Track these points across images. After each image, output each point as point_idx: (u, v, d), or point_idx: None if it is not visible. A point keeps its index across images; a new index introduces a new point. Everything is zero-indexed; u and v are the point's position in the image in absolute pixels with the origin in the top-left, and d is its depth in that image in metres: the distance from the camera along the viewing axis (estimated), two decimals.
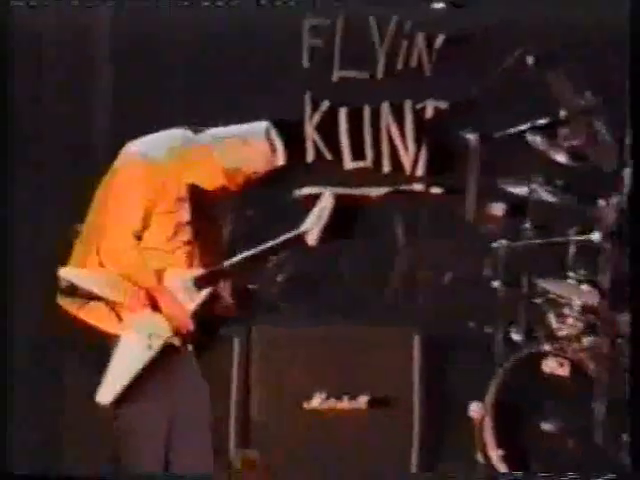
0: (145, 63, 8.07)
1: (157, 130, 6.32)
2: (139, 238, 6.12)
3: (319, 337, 7.34)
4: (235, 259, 6.13)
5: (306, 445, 7.23)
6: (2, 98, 7.02)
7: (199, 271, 6.16)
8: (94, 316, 6.15)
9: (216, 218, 6.36)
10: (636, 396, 5.27)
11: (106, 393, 6.16)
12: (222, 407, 7.24)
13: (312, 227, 6.10)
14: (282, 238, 6.07)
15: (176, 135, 6.23)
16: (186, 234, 6.11)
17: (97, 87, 8.16)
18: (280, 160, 6.03)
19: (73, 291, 6.09)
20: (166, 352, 6.12)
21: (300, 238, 6.10)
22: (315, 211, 6.20)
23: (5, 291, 7.01)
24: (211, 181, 6.07)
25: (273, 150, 6.17)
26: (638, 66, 5.90)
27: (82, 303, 6.11)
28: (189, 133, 6.20)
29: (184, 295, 6.17)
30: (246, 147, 6.13)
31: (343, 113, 7.92)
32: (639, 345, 5.32)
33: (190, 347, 6.24)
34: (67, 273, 6.11)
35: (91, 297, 6.12)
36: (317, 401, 7.25)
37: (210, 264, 6.18)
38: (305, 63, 7.87)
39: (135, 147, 6.15)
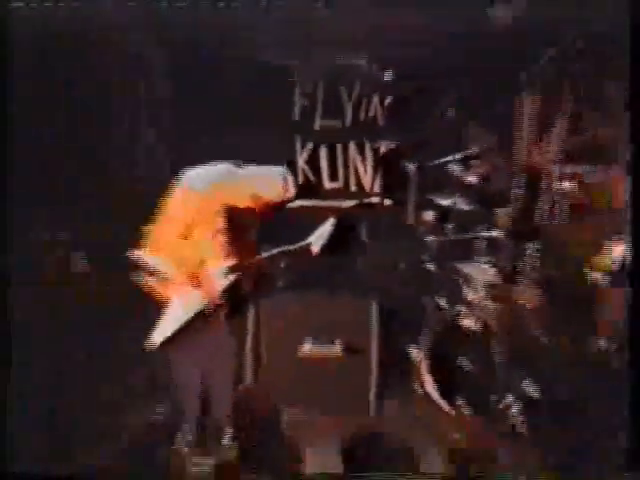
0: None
1: None
2: (188, 236, 6.31)
3: (307, 303, 7.29)
4: (257, 257, 6.41)
5: (299, 380, 7.16)
6: (2, 97, 5.92)
7: (231, 262, 6.43)
8: (158, 285, 6.41)
9: (245, 227, 6.47)
10: (636, 396, 4.89)
11: (157, 338, 6.40)
12: (241, 354, 7.13)
13: (316, 241, 6.42)
14: (295, 246, 6.43)
15: (220, 169, 6.41)
16: (222, 237, 6.37)
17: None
18: (291, 195, 6.35)
19: (146, 268, 6.37)
20: (201, 316, 6.40)
21: (307, 248, 6.41)
22: (319, 230, 6.45)
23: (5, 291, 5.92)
24: (241, 203, 6.38)
25: (286, 188, 6.39)
26: (638, 66, 5.58)
27: (152, 276, 6.39)
28: (232, 167, 6.41)
29: (218, 279, 6.42)
30: (268, 182, 6.40)
31: (323, 150, 7.98)
32: (638, 348, 4.97)
33: (222, 314, 6.47)
34: (142, 256, 6.38)
35: (156, 273, 6.38)
36: (307, 348, 7.29)
37: (239, 259, 6.41)
38: (296, 116, 7.91)
39: (185, 177, 6.39)
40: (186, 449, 6.29)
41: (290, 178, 6.43)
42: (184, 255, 6.37)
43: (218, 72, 7.62)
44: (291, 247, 6.45)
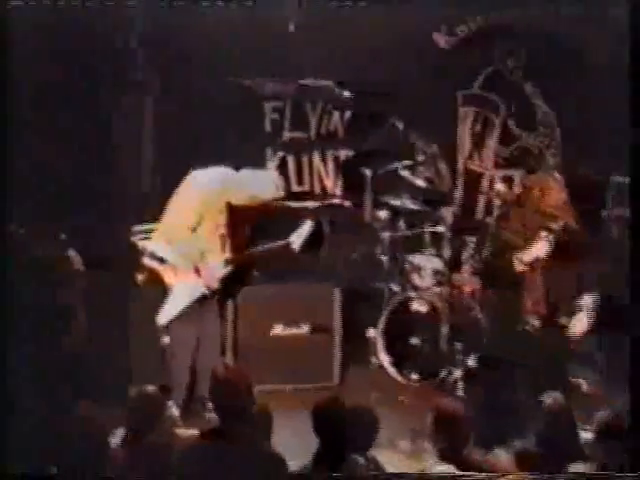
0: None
1: None
2: (194, 230, 6.30)
3: (278, 291, 7.21)
4: (249, 252, 6.45)
5: (271, 355, 7.06)
6: (2, 98, 5.21)
7: (228, 256, 6.47)
8: (164, 272, 6.39)
9: (240, 224, 6.47)
10: (636, 397, 4.52)
11: (163, 318, 6.45)
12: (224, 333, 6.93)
13: (296, 240, 6.50)
14: (278, 243, 6.51)
15: (224, 172, 6.37)
16: (222, 231, 6.40)
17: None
18: (282, 194, 6.45)
19: (154, 256, 6.35)
20: (201, 299, 6.42)
21: (288, 246, 6.52)
22: (299, 231, 6.50)
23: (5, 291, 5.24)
24: (241, 201, 6.36)
25: (278, 189, 6.43)
26: (638, 67, 5.29)
27: (158, 263, 6.37)
28: (232, 170, 6.38)
29: (217, 269, 6.44)
30: (264, 184, 6.40)
31: (291, 159, 7.95)
32: (637, 350, 4.73)
33: (216, 298, 6.52)
34: (151, 245, 6.38)
35: (163, 261, 6.36)
36: (278, 329, 7.18)
37: (234, 252, 6.44)
38: (267, 129, 7.87)
39: (194, 177, 6.34)
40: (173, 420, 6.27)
41: (281, 181, 6.48)
42: (189, 246, 6.33)
43: (201, 90, 7.56)
44: (275, 244, 6.45)
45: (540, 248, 6.57)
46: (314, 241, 6.66)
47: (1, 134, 4.96)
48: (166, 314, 6.42)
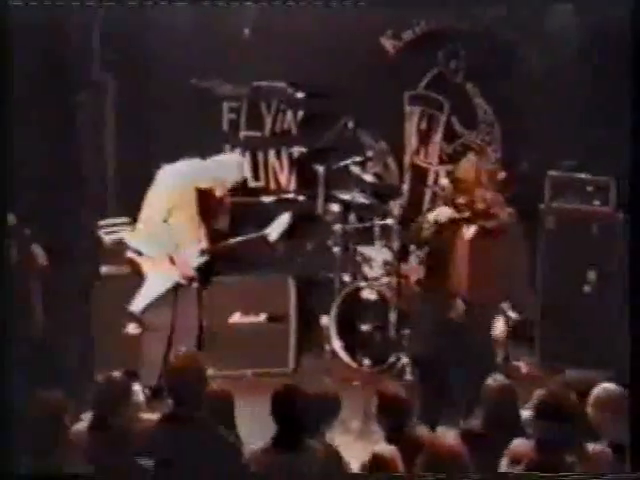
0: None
1: None
2: (165, 221, 6.30)
3: (237, 280, 7.19)
4: (226, 243, 6.49)
5: (230, 342, 7.05)
6: (2, 97, 5.02)
7: (203, 245, 6.51)
8: (143, 262, 6.43)
9: (214, 215, 6.53)
10: (635, 397, 4.37)
11: (136, 305, 6.45)
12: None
13: (273, 232, 6.54)
14: (255, 234, 6.56)
15: (191, 163, 6.43)
16: (196, 223, 6.44)
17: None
18: (247, 175, 6.55)
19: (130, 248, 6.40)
20: (178, 288, 6.44)
21: (264, 238, 6.57)
22: (276, 222, 6.56)
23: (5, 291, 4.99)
24: (207, 184, 6.38)
25: (241, 169, 6.52)
26: (638, 68, 5.17)
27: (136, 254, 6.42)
28: (197, 160, 6.46)
29: (193, 259, 6.47)
30: (227, 166, 6.47)
31: (247, 156, 7.85)
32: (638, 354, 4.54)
33: (195, 285, 6.53)
34: (128, 237, 6.46)
35: (140, 252, 6.42)
36: (236, 317, 7.19)
37: (211, 242, 6.49)
38: (225, 128, 7.81)
39: (163, 172, 6.38)
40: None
41: (245, 162, 6.58)
42: (164, 237, 6.33)
43: (160, 91, 7.53)
44: (251, 236, 6.47)
45: (442, 211, 6.55)
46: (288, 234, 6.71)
47: (1, 133, 4.88)
48: (140, 301, 6.42)
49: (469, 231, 6.43)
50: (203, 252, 6.49)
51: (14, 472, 4.12)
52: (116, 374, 4.98)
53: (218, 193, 6.46)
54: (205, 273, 6.57)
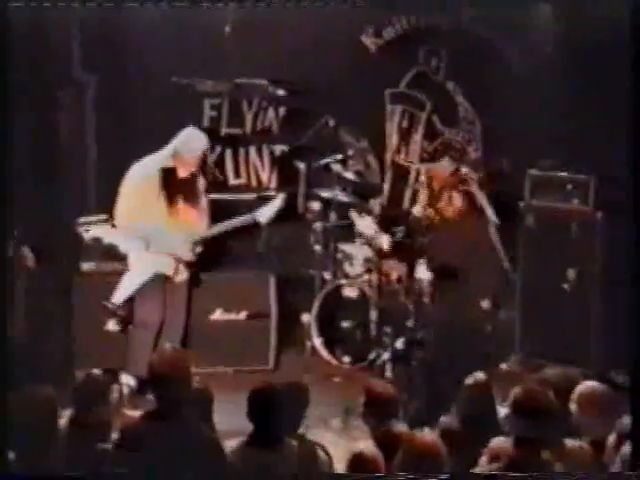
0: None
1: None
2: (140, 214, 6.35)
3: (217, 278, 7.14)
4: (214, 228, 6.47)
5: (211, 340, 7.04)
6: (2, 98, 4.96)
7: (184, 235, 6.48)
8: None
9: (191, 200, 6.50)
10: (636, 395, 4.37)
11: (117, 297, 6.50)
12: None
13: (265, 215, 6.53)
14: (245, 217, 6.51)
15: (159, 153, 6.50)
16: (168, 210, 6.45)
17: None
18: (205, 147, 6.49)
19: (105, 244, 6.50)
20: (167, 279, 6.52)
21: (254, 220, 6.58)
22: (269, 205, 6.54)
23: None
24: (168, 163, 6.43)
25: (199, 142, 6.58)
26: (638, 67, 5.12)
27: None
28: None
29: (180, 249, 6.51)
30: (183, 140, 6.51)
31: (228, 153, 7.86)
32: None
33: (185, 282, 6.60)
34: (103, 233, 6.53)
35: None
36: (217, 314, 7.17)
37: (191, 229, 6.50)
38: (205, 124, 7.70)
39: (132, 169, 6.47)
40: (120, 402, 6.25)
41: (199, 134, 6.48)
42: (138, 231, 6.36)
43: (141, 88, 7.48)
44: (242, 218, 6.44)
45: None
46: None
47: (1, 133, 4.85)
48: (120, 294, 6.48)
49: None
50: (196, 242, 6.48)
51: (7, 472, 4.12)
52: (96, 372, 4.99)
53: (181, 174, 6.42)
54: (198, 267, 6.60)
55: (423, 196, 6.77)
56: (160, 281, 6.61)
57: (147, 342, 6.50)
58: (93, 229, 6.60)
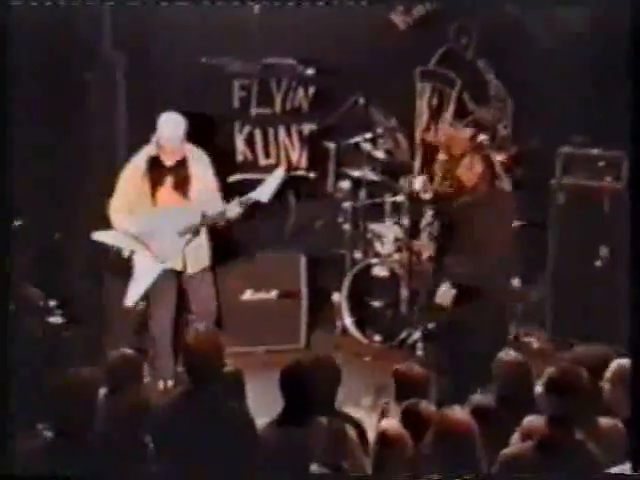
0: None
1: None
2: (132, 209, 6.17)
3: (249, 259, 7.17)
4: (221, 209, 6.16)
5: (242, 320, 7.03)
6: (2, 98, 4.78)
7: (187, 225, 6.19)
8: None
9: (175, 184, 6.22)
10: (636, 394, 4.24)
11: (129, 300, 6.28)
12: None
13: (265, 191, 6.12)
14: (247, 196, 6.15)
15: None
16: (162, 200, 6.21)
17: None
18: (181, 130, 6.12)
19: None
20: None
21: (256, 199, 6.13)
22: (268, 181, 6.14)
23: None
24: (152, 152, 6.21)
25: (175, 128, 6.19)
26: (638, 67, 5.08)
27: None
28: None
29: (172, 240, 6.19)
30: (161, 127, 6.20)
31: (258, 133, 7.85)
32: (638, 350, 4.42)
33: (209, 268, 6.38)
34: (101, 235, 6.25)
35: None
36: (248, 294, 7.16)
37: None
38: (235, 105, 7.73)
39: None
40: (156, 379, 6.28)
41: (177, 118, 6.19)
42: (138, 225, 6.18)
43: (171, 69, 7.45)
44: (243, 198, 6.17)
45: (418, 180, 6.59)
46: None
47: (1, 132, 4.81)
48: (132, 295, 6.27)
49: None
50: (197, 230, 6.22)
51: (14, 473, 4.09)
52: (128, 351, 4.98)
53: (167, 161, 6.20)
54: (214, 256, 6.47)
55: (441, 161, 6.71)
56: (169, 278, 6.36)
57: (165, 323, 6.38)
58: (94, 234, 6.29)
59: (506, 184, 6.94)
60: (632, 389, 4.23)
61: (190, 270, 6.35)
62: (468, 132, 7.24)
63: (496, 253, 6.23)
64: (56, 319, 6.36)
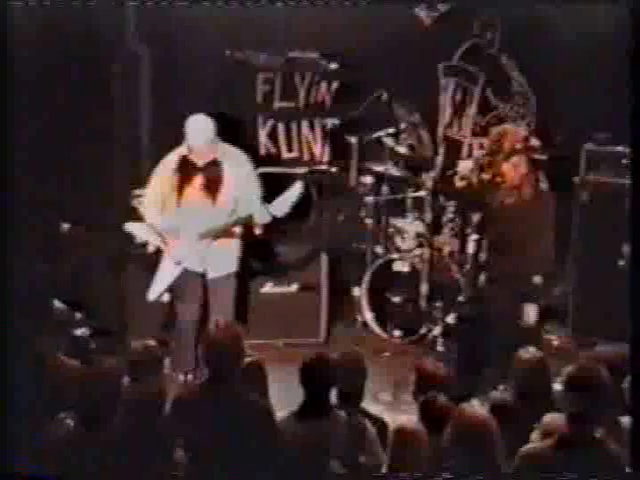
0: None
1: None
2: (163, 206, 6.19)
3: (270, 252, 7.12)
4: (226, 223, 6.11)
5: (262, 313, 7.04)
6: (2, 98, 4.86)
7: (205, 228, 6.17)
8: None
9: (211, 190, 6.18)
10: (636, 395, 4.30)
11: (151, 294, 6.26)
12: None
13: (278, 208, 6.05)
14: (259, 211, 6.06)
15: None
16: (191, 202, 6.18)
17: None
18: (210, 137, 6.10)
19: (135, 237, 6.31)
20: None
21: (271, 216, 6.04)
22: (284, 196, 6.07)
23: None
24: (181, 153, 6.21)
25: (206, 130, 6.14)
26: (638, 66, 5.13)
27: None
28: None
29: (190, 241, 6.15)
30: (191, 129, 6.15)
31: (281, 126, 7.86)
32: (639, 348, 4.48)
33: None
34: (130, 226, 6.29)
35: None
36: (268, 287, 7.20)
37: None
38: (259, 99, 7.75)
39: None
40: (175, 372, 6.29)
41: (204, 121, 6.14)
42: (165, 221, 6.18)
43: (194, 64, 7.45)
44: (249, 214, 6.09)
45: (464, 165, 6.53)
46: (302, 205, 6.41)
47: (1, 132, 4.83)
48: (155, 289, 6.25)
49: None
50: (219, 233, 6.09)
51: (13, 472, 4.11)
52: (150, 342, 5.02)
53: (197, 161, 6.14)
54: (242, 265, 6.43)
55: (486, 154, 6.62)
56: (194, 276, 6.30)
57: (190, 317, 6.32)
58: (126, 225, 6.32)
59: (545, 186, 6.88)
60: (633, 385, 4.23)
61: (211, 273, 6.30)
62: (522, 132, 7.11)
63: (537, 254, 6.13)
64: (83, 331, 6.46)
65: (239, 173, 6.26)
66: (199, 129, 6.15)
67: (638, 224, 4.71)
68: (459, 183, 6.84)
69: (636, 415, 4.16)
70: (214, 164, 6.21)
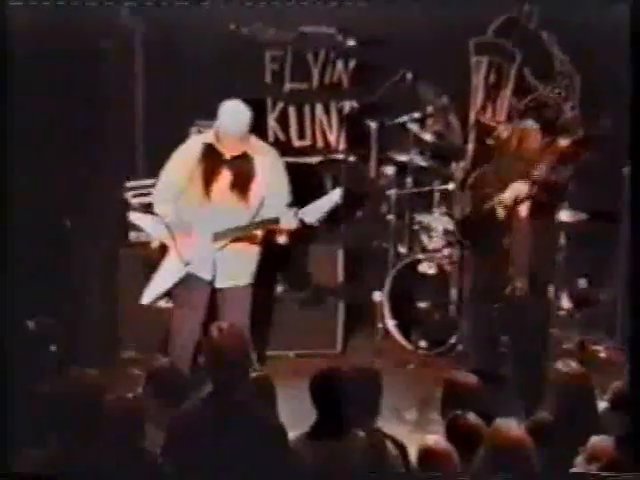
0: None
1: None
2: (179, 197, 6.12)
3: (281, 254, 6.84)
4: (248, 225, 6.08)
5: (271, 320, 7.08)
6: (2, 98, 5.02)
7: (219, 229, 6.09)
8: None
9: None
10: (636, 396, 4.33)
11: (148, 296, 6.21)
12: None
13: (310, 214, 6.02)
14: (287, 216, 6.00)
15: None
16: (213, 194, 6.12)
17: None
18: (245, 128, 6.04)
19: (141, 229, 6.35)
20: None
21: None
22: (320, 202, 6.07)
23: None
24: (208, 140, 6.14)
25: (240, 120, 6.02)
26: (638, 66, 5.24)
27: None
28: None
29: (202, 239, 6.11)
30: (226, 116, 6.07)
31: (292, 110, 7.88)
32: (638, 348, 4.49)
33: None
34: (137, 218, 6.34)
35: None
36: (279, 291, 7.20)
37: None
38: (268, 79, 7.79)
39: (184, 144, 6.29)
40: None
41: (241, 109, 6.06)
42: (179, 215, 6.15)
43: (195, 40, 7.47)
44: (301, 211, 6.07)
45: (519, 188, 6.35)
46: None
47: (1, 132, 4.89)
48: (151, 292, 6.22)
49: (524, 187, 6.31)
50: (235, 236, 6.05)
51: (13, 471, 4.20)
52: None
53: (226, 152, 6.07)
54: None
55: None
56: (199, 283, 6.21)
57: (191, 326, 6.23)
58: (146, 195, 6.37)
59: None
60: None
61: (219, 283, 6.19)
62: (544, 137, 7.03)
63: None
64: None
65: (270, 171, 6.19)
66: (235, 117, 6.03)
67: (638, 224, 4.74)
68: (500, 211, 6.48)
69: (636, 415, 4.14)
70: (244, 158, 6.13)
